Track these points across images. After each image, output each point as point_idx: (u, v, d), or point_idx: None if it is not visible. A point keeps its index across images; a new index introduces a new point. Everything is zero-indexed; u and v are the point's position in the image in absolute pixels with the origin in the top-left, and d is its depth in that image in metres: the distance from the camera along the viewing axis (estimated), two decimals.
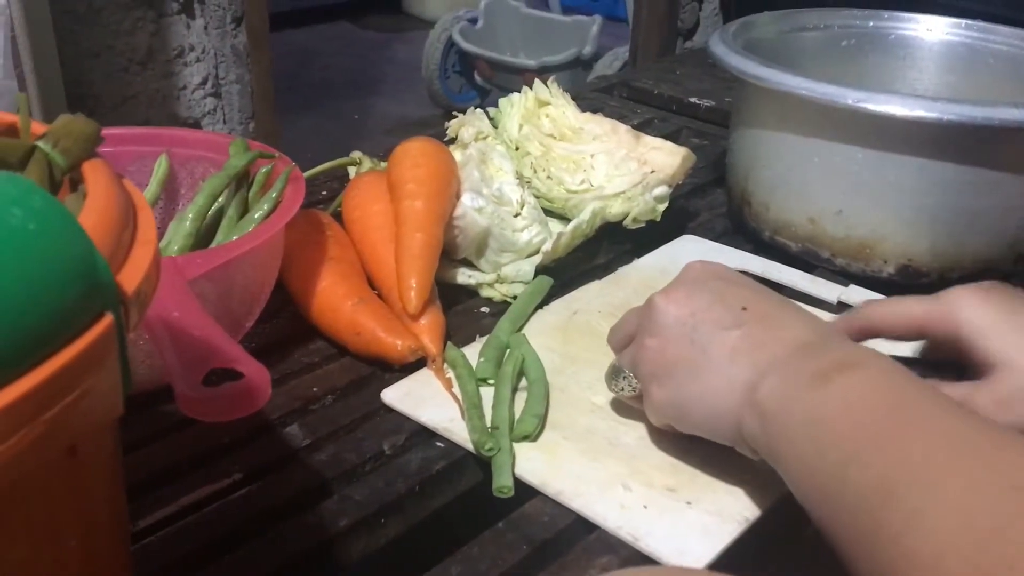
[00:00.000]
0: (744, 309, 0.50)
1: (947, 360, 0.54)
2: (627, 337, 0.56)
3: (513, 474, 0.53)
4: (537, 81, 0.86)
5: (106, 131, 0.69)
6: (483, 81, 2.92)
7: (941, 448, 0.38)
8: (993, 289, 0.51)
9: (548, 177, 0.80)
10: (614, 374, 0.57)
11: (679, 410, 0.52)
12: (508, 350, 0.64)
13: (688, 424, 0.52)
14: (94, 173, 0.32)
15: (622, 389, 0.57)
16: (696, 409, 0.50)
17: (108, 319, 0.26)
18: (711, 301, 0.51)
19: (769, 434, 0.46)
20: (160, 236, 0.67)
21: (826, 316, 0.70)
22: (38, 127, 0.35)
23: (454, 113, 0.86)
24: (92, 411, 0.27)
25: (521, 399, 0.60)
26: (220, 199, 0.66)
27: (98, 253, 0.26)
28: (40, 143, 0.33)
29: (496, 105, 0.86)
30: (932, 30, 0.92)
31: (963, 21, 0.91)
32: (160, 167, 0.69)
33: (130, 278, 0.28)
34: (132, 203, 0.31)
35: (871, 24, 0.93)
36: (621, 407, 0.59)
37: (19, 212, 0.24)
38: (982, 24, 0.90)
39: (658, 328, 0.52)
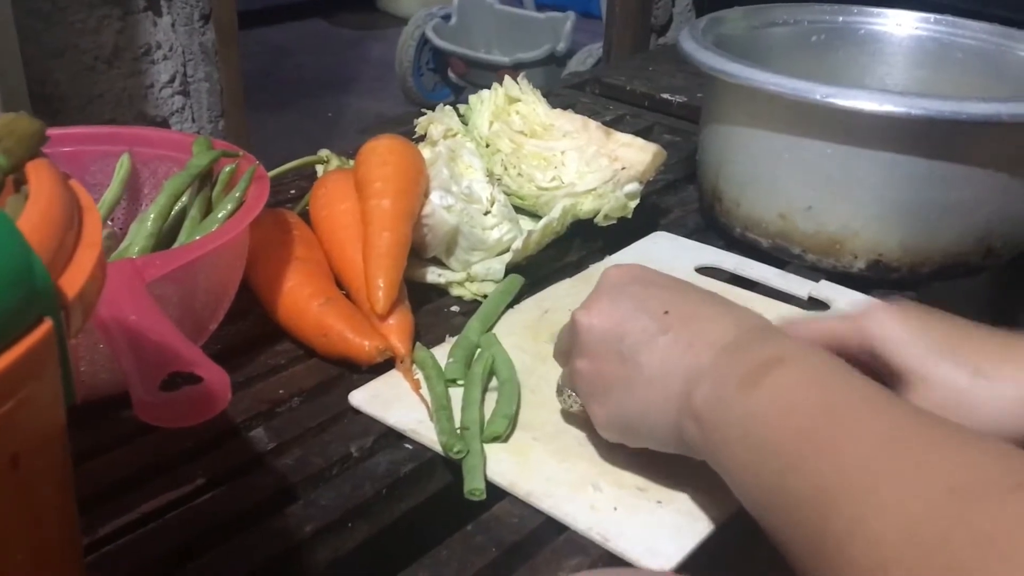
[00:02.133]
0: (666, 313, 0.49)
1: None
2: (565, 355, 0.55)
3: (485, 476, 0.53)
4: (507, 78, 0.85)
5: (68, 131, 0.69)
6: (457, 78, 2.91)
7: (875, 450, 0.38)
8: (909, 307, 0.51)
9: (519, 174, 0.79)
10: (560, 390, 0.57)
11: (623, 427, 0.51)
12: (478, 350, 0.64)
13: (635, 439, 0.51)
14: (37, 174, 0.31)
15: (570, 406, 0.56)
16: (639, 425, 0.50)
17: (47, 325, 0.25)
18: (633, 309, 0.50)
19: (709, 442, 0.45)
20: (123, 237, 0.66)
21: (801, 312, 0.70)
22: None
23: (422, 110, 0.85)
24: (32, 421, 0.26)
25: (491, 399, 0.59)
26: (183, 199, 0.65)
27: (36, 257, 0.25)
28: None
29: (468, 102, 0.85)
30: (901, 25, 0.92)
31: (932, 16, 0.91)
32: (122, 167, 0.67)
33: (72, 282, 0.27)
34: (77, 204, 0.30)
35: (840, 19, 0.93)
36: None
37: None
38: (951, 19, 0.90)
39: (586, 347, 0.51)
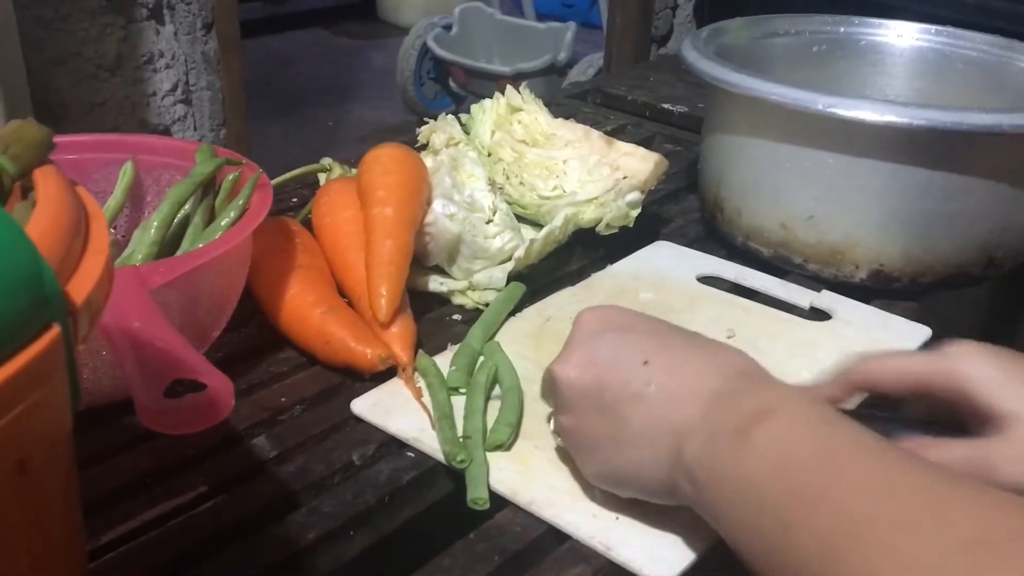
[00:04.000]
0: (646, 363, 0.47)
1: (931, 419, 0.52)
2: (551, 400, 0.54)
3: (488, 486, 0.53)
4: (509, 87, 0.85)
5: (71, 138, 0.69)
6: (458, 88, 2.91)
7: (882, 501, 0.37)
8: (992, 348, 0.50)
9: (520, 183, 0.79)
10: (553, 429, 0.55)
11: (613, 482, 0.50)
12: (481, 358, 0.64)
13: (626, 492, 0.50)
14: (45, 180, 0.31)
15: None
16: (629, 480, 0.49)
17: (55, 331, 0.25)
18: (611, 360, 0.48)
19: (704, 499, 0.44)
20: (125, 245, 0.66)
21: (802, 322, 0.70)
22: None
23: (425, 119, 0.85)
24: (40, 426, 0.26)
25: (493, 408, 0.59)
26: (186, 206, 0.65)
27: (44, 263, 0.25)
28: None
29: (470, 111, 0.86)
30: (902, 36, 0.92)
31: (933, 27, 0.91)
32: (125, 174, 0.67)
33: (80, 288, 0.27)
34: (84, 211, 0.30)
35: (842, 30, 0.93)
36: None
37: None
38: (952, 30, 0.90)
39: (567, 405, 0.50)
